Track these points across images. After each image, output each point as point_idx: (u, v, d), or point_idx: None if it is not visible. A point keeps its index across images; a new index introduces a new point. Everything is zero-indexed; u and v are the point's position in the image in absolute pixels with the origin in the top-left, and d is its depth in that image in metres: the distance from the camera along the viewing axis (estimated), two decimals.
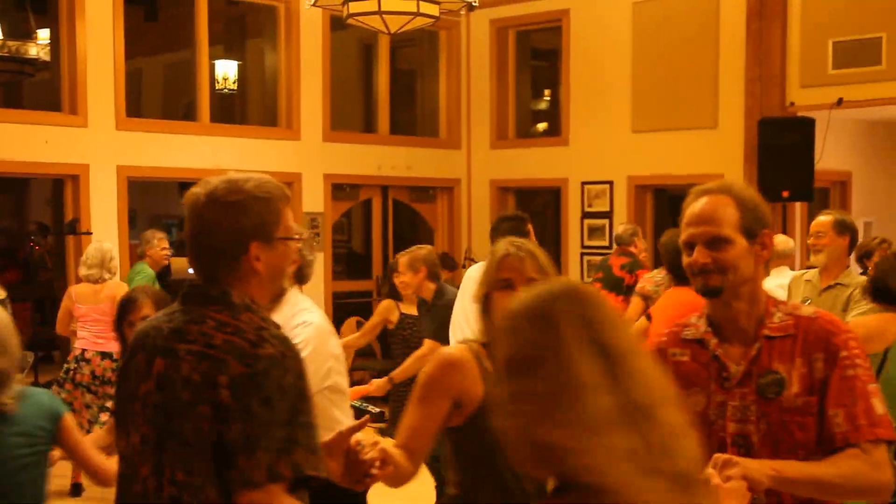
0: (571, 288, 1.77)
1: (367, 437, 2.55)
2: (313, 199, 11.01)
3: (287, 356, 2.26)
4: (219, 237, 2.35)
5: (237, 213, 2.34)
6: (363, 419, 2.54)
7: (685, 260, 2.53)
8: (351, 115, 12.81)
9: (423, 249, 6.53)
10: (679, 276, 5.08)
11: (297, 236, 2.50)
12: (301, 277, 3.88)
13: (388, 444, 2.62)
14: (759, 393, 2.44)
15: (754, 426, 2.44)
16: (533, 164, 11.90)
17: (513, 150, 12.21)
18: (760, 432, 2.43)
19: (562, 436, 1.62)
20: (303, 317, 3.59)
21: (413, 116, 13.18)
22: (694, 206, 2.53)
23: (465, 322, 5.64)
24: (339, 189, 11.44)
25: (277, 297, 2.45)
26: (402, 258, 6.50)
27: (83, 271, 7.44)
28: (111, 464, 3.19)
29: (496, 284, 2.81)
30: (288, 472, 2.18)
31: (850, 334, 2.47)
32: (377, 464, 2.48)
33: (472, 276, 5.80)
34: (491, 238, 5.91)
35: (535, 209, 12.82)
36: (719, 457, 2.23)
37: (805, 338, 2.45)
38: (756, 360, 2.47)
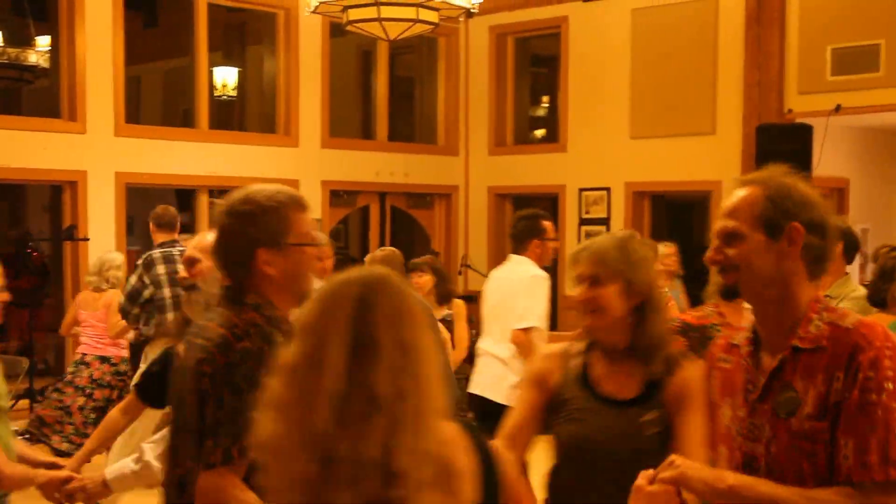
0: (370, 276, 1.86)
1: None
2: (311, 205, 10.98)
3: (265, 351, 2.35)
4: (230, 245, 2.55)
5: (244, 222, 2.52)
6: None
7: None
8: (349, 121, 12.83)
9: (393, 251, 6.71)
10: None
11: (310, 242, 2.61)
12: None
13: None
14: (774, 411, 2.20)
15: (764, 448, 2.21)
16: (531, 170, 11.91)
17: (511, 157, 12.21)
18: (769, 456, 2.20)
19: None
20: None
21: (411, 123, 13.20)
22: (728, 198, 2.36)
23: (509, 315, 5.62)
24: (337, 196, 11.44)
25: (305, 298, 2.54)
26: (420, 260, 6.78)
27: (87, 278, 7.67)
28: (14, 468, 3.21)
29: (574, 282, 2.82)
30: (239, 456, 2.32)
31: (888, 352, 2.09)
32: None
33: (500, 276, 5.98)
34: (511, 237, 6.03)
35: None
36: (672, 457, 2.17)
37: (834, 351, 2.14)
38: (778, 373, 2.22)
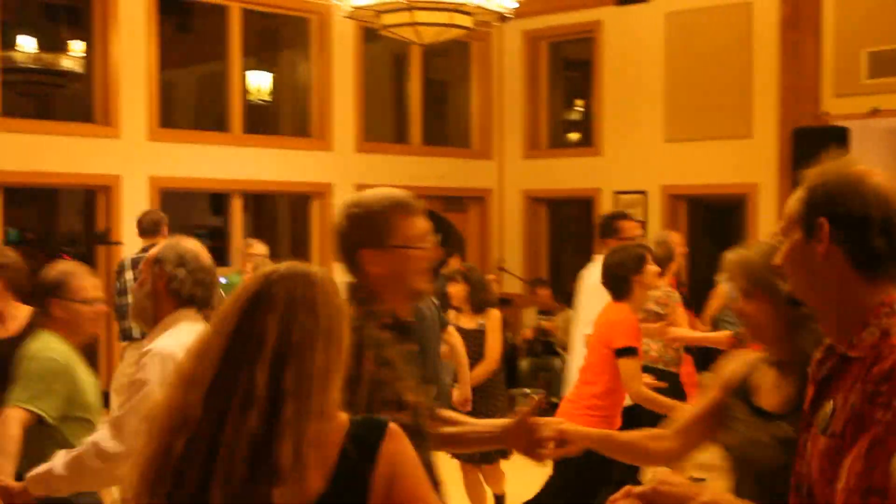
0: (279, 271, 1.93)
1: (552, 420, 2.93)
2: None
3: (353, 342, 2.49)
4: (340, 245, 2.72)
5: (350, 224, 2.67)
6: (537, 399, 2.86)
7: None
8: (383, 125, 12.82)
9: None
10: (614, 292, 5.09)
11: (414, 245, 2.69)
12: (193, 301, 3.36)
13: (571, 426, 3.02)
14: (815, 426, 2.00)
15: (808, 468, 1.99)
16: (565, 174, 11.86)
17: (545, 161, 12.18)
18: (810, 477, 1.98)
19: None
20: (154, 344, 3.24)
21: (445, 127, 13.18)
22: None
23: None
24: None
25: (416, 296, 2.70)
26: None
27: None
28: None
29: None
30: None
31: None
32: (551, 444, 2.85)
33: (592, 283, 5.85)
34: (599, 235, 6.12)
35: (568, 219, 12.77)
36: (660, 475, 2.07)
37: (872, 363, 1.88)
38: (825, 384, 2.02)
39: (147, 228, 7.17)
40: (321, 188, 10.87)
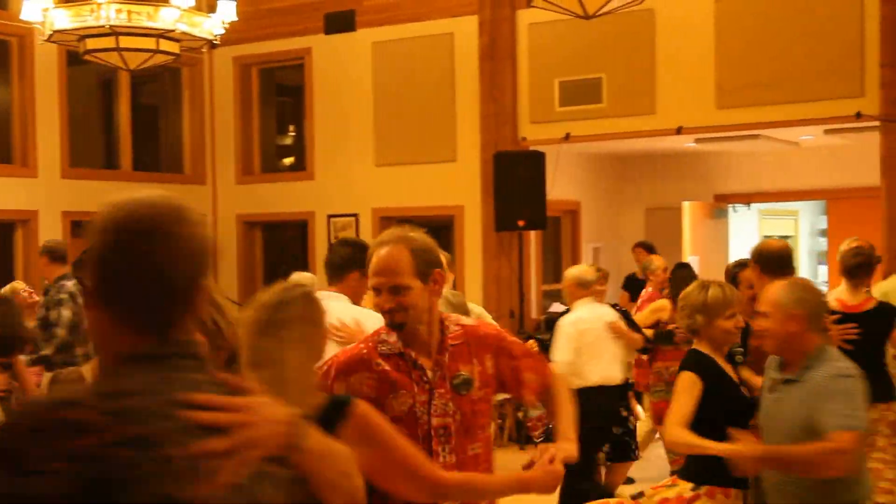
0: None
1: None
2: (51, 236, 10.65)
3: None
4: None
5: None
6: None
7: (374, 300, 3.00)
8: (92, 151, 12.49)
9: None
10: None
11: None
12: None
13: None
14: (454, 390, 2.92)
15: (451, 419, 2.90)
16: (280, 198, 12.00)
17: (259, 185, 12.27)
18: (456, 423, 2.91)
19: None
20: None
21: (157, 152, 12.99)
22: (377, 257, 2.92)
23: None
24: (80, 226, 11.13)
25: None
26: None
27: None
28: None
29: None
30: None
31: (501, 331, 3.21)
32: None
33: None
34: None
35: (283, 243, 12.91)
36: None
37: (474, 342, 3.00)
38: (444, 365, 2.94)
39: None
40: (25, 215, 10.50)
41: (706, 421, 3.69)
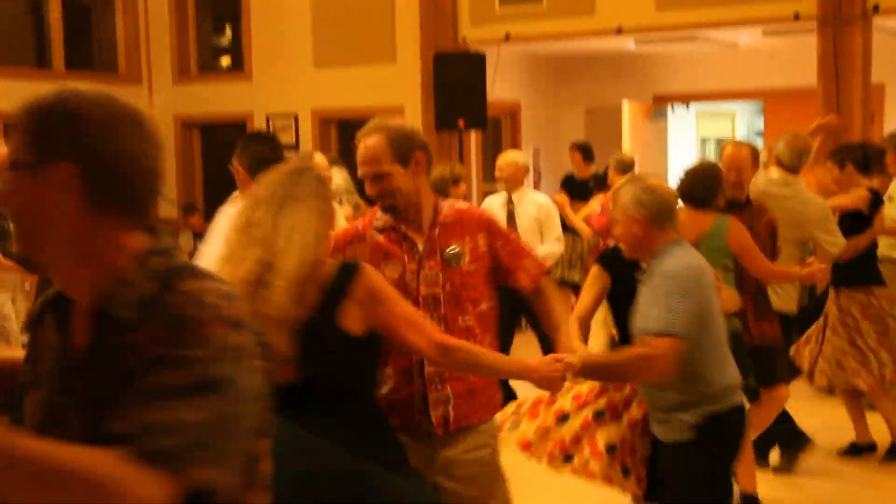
0: None
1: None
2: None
3: None
4: None
5: None
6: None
7: (367, 189, 3.16)
8: (22, 50, 12.19)
9: None
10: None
11: None
12: None
13: None
14: (444, 262, 3.12)
15: (441, 289, 3.10)
16: (217, 98, 11.85)
17: (196, 86, 12.09)
18: (445, 293, 3.10)
19: None
20: None
21: (90, 51, 12.71)
22: (359, 149, 3.12)
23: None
24: (9, 127, 10.90)
25: None
26: None
27: None
28: None
29: None
30: None
31: (493, 217, 3.36)
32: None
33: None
34: None
35: (222, 144, 12.77)
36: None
37: (468, 221, 3.19)
38: (435, 239, 3.14)
39: None
40: None
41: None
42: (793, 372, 5.85)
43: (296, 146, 11.39)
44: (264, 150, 4.32)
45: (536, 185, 12.63)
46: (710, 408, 3.47)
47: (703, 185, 4.68)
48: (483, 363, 2.91)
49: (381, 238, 3.15)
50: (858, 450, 6.06)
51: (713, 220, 4.63)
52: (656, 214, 3.50)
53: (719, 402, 3.50)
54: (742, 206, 5.00)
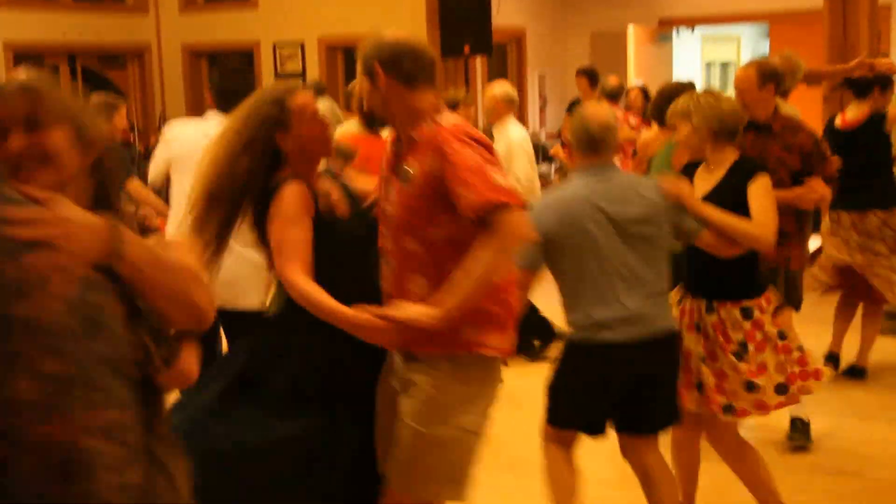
0: None
1: None
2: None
3: None
4: None
5: None
6: None
7: None
8: None
9: None
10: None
11: None
12: None
13: None
14: (400, 180, 2.99)
15: (392, 206, 3.00)
16: (224, 27, 11.89)
17: (203, 14, 12.13)
18: (397, 210, 2.98)
19: None
20: None
21: None
22: None
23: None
24: (23, 59, 11.01)
25: None
26: None
27: None
28: None
29: None
30: None
31: (449, 139, 2.89)
32: None
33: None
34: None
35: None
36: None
37: (427, 140, 2.92)
38: (401, 155, 3.02)
39: None
40: None
41: None
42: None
43: (302, 74, 11.47)
44: (229, 83, 4.42)
45: (542, 112, 12.72)
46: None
47: (667, 105, 4.78)
48: (319, 309, 2.87)
49: (389, 147, 3.14)
50: (832, 358, 6.10)
51: (666, 140, 4.77)
52: (577, 139, 3.58)
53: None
54: (760, 128, 4.76)
